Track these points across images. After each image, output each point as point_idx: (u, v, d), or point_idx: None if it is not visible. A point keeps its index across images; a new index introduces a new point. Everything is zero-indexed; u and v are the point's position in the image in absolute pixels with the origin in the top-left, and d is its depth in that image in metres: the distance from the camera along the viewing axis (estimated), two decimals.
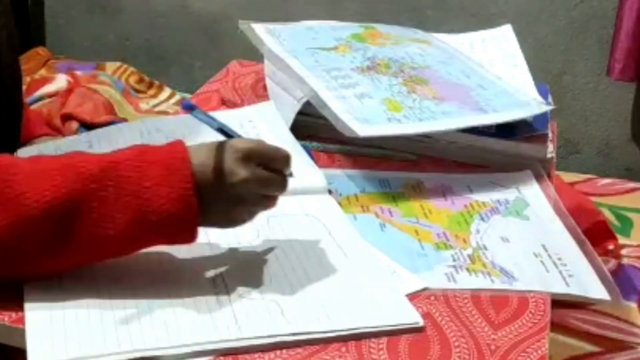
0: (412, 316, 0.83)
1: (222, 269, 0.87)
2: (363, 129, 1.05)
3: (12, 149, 1.11)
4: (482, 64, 1.32)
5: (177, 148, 0.80)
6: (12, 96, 1.11)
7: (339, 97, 1.11)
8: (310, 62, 1.20)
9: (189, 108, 0.83)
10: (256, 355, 0.77)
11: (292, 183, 0.98)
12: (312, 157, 1.12)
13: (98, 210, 0.76)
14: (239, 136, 0.85)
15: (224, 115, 1.23)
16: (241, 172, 0.80)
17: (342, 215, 1.00)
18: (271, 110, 1.22)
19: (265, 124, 1.19)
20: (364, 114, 1.08)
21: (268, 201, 0.85)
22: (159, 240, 0.80)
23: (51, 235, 0.75)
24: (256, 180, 0.82)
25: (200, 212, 0.79)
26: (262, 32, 1.29)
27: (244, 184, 0.81)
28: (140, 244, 0.80)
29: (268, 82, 1.33)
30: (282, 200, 1.00)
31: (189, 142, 1.11)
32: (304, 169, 1.07)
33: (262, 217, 0.95)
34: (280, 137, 1.16)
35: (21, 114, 1.15)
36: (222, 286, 0.84)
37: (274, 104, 1.24)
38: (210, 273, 0.86)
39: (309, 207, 1.01)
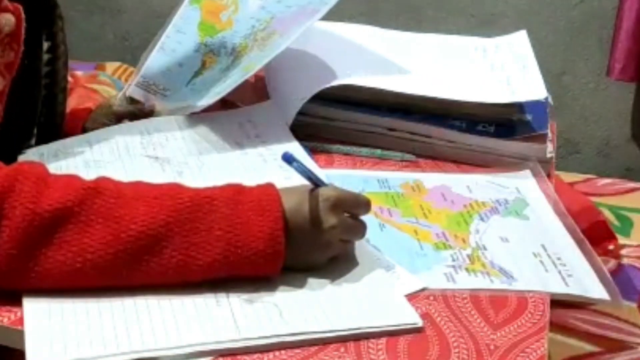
0: (410, 316, 0.83)
1: None
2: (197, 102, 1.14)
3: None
4: (494, 65, 1.33)
5: (269, 191, 0.86)
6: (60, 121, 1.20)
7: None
8: (190, 95, 1.23)
9: (289, 160, 0.89)
10: (255, 356, 0.77)
11: (292, 183, 0.99)
12: (312, 157, 1.12)
13: (190, 239, 0.81)
14: (326, 184, 0.90)
15: (224, 115, 1.23)
16: (331, 220, 0.86)
17: None
18: (271, 110, 1.22)
19: (265, 124, 1.19)
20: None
21: (347, 246, 0.90)
22: (242, 273, 0.84)
23: (143, 256, 0.81)
24: (343, 227, 0.87)
25: (285, 254, 0.83)
26: (140, 95, 1.29)
27: (332, 230, 0.86)
28: (223, 274, 0.83)
29: (268, 81, 1.33)
30: None
31: (191, 143, 1.13)
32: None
33: None
34: (280, 137, 1.16)
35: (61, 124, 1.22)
36: (220, 287, 0.83)
37: (274, 104, 1.24)
38: None
39: None
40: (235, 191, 0.85)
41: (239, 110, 1.25)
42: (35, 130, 1.14)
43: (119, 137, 1.13)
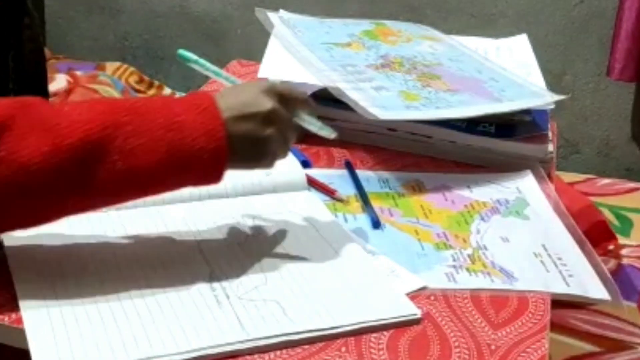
0: (409, 309, 0.83)
1: (217, 272, 0.86)
2: (383, 113, 1.07)
3: None
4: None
5: (201, 93, 0.85)
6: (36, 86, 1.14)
7: (357, 88, 1.14)
8: (326, 57, 1.23)
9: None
10: (256, 355, 0.77)
11: (272, 179, 1.02)
12: (298, 156, 1.11)
13: (132, 142, 0.77)
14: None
15: None
16: (266, 103, 0.84)
17: (326, 211, 1.00)
18: None
19: None
20: (383, 102, 1.10)
21: (285, 146, 0.88)
22: (190, 173, 0.81)
23: (87, 165, 0.76)
24: (277, 114, 0.85)
25: (229, 149, 0.81)
26: (277, 22, 1.33)
27: (269, 113, 0.84)
28: (171, 177, 0.81)
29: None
30: (265, 198, 1.01)
31: None
32: (283, 165, 1.06)
33: (247, 218, 0.96)
34: None
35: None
36: (220, 289, 0.83)
37: None
38: (205, 276, 0.86)
39: (292, 204, 1.01)
40: (167, 99, 0.84)
41: None
42: None
43: None
